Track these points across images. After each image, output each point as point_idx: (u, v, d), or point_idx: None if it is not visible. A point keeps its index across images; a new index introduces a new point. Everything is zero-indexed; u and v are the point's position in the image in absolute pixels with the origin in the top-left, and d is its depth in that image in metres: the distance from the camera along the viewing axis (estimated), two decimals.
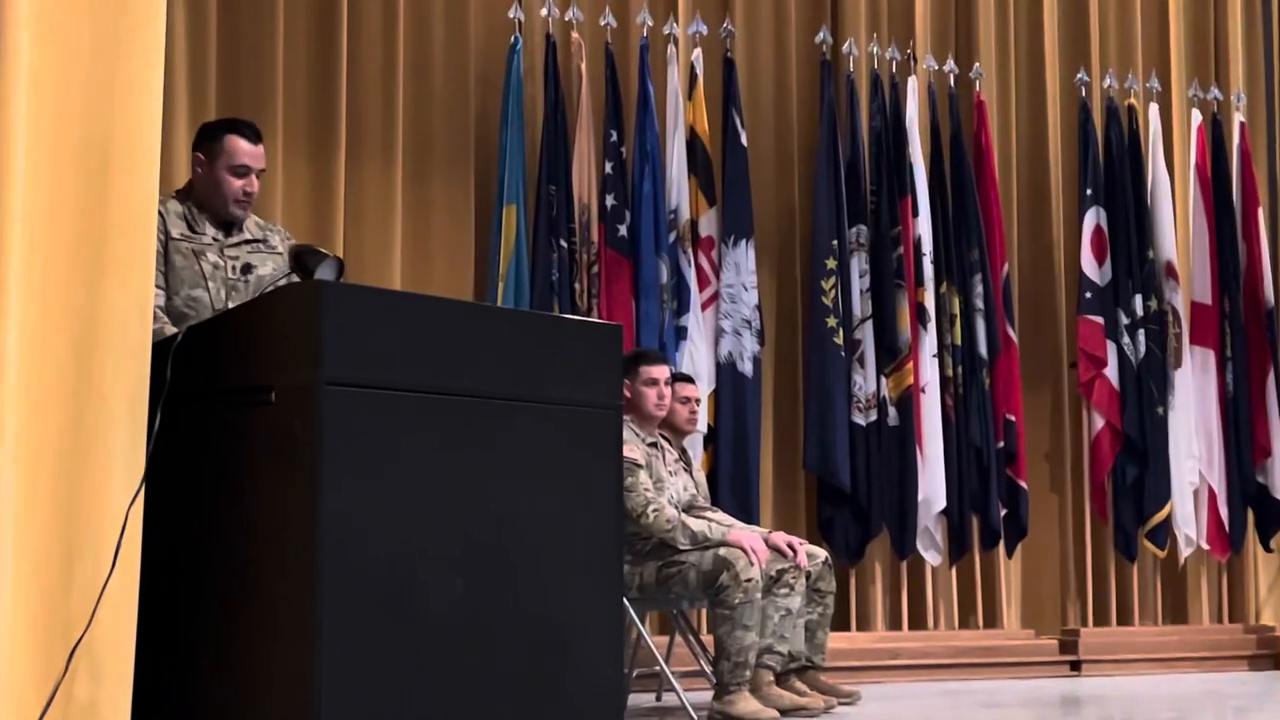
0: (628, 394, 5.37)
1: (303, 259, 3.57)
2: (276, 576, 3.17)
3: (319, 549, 3.07)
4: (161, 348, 3.30)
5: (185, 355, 3.33)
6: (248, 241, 4.24)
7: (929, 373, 7.08)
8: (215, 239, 4.18)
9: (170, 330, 3.81)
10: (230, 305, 4.03)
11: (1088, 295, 7.48)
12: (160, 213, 4.10)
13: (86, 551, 3.03)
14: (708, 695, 5.23)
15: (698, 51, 6.91)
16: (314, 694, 3.04)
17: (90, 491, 3.05)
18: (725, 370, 6.71)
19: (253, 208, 4.29)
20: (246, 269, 4.19)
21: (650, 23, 6.86)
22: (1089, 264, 7.51)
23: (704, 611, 6.17)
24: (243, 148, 4.17)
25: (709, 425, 6.60)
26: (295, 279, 3.68)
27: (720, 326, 6.75)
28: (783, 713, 5.13)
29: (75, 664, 2.98)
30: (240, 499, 3.27)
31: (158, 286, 4.02)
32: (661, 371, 5.50)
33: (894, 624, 7.19)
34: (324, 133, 6.25)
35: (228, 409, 3.31)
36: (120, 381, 3.10)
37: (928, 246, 7.16)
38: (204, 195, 4.19)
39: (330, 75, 6.28)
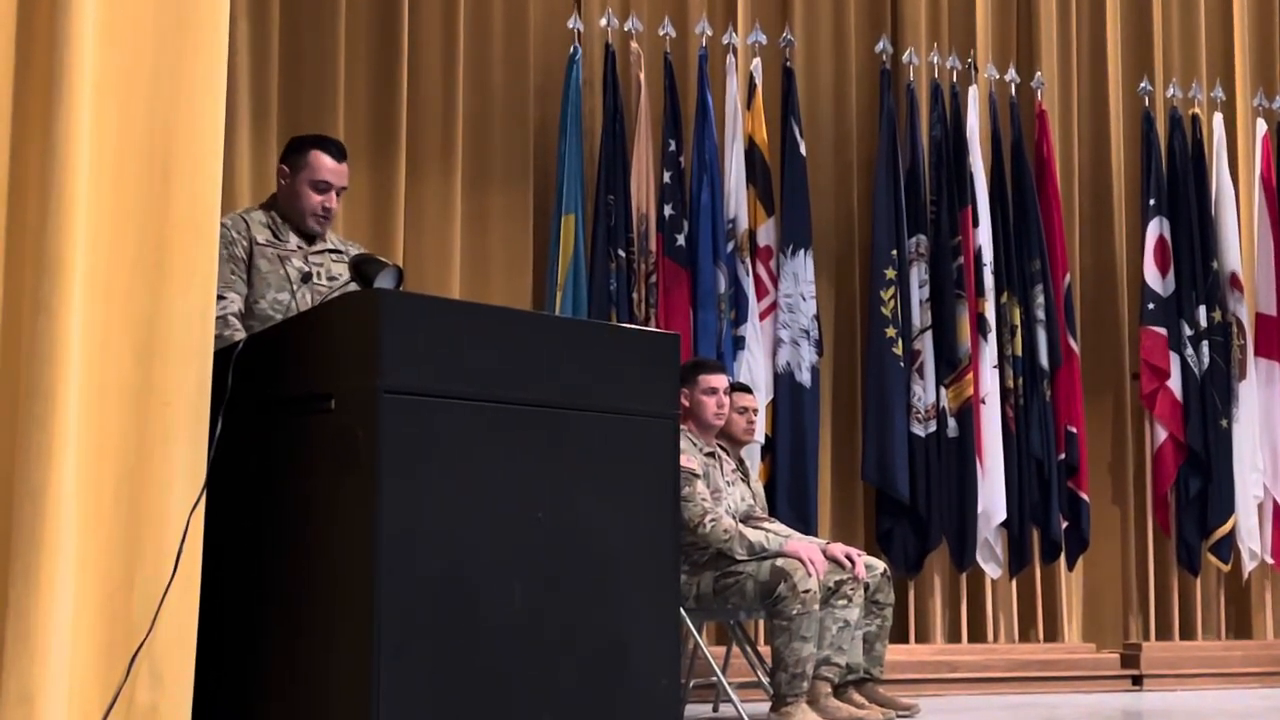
0: (686, 403, 5.37)
1: (362, 268, 3.59)
2: (335, 584, 3.18)
3: (377, 557, 3.08)
4: (223, 355, 3.33)
5: (246, 362, 3.35)
6: (331, 250, 4.31)
7: (989, 383, 7.02)
8: (300, 246, 4.25)
9: (241, 336, 3.85)
10: None
11: (1150, 306, 7.41)
12: (245, 220, 4.22)
13: (148, 557, 3.06)
14: (765, 707, 5.20)
15: (757, 61, 6.89)
16: (373, 704, 3.05)
17: (152, 498, 3.08)
18: (783, 380, 6.69)
19: (331, 224, 4.35)
20: (332, 276, 4.25)
21: (709, 32, 6.85)
22: (1152, 274, 7.43)
23: (761, 622, 6.14)
24: (326, 164, 4.26)
25: (766, 435, 6.58)
26: (355, 288, 3.71)
27: (778, 336, 6.72)
28: None
29: (136, 669, 3.01)
30: (300, 506, 3.29)
31: (236, 292, 4.09)
32: (720, 381, 5.50)
33: (953, 637, 7.14)
34: (384, 143, 6.28)
35: (288, 416, 3.33)
36: (182, 388, 3.13)
37: (988, 256, 7.11)
38: (286, 207, 4.29)
39: (391, 85, 6.31)
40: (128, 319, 3.07)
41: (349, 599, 3.13)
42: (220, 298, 3.99)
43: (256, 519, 3.37)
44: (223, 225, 4.10)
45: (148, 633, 3.01)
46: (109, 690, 2.99)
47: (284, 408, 3.34)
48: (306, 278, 4.20)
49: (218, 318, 3.88)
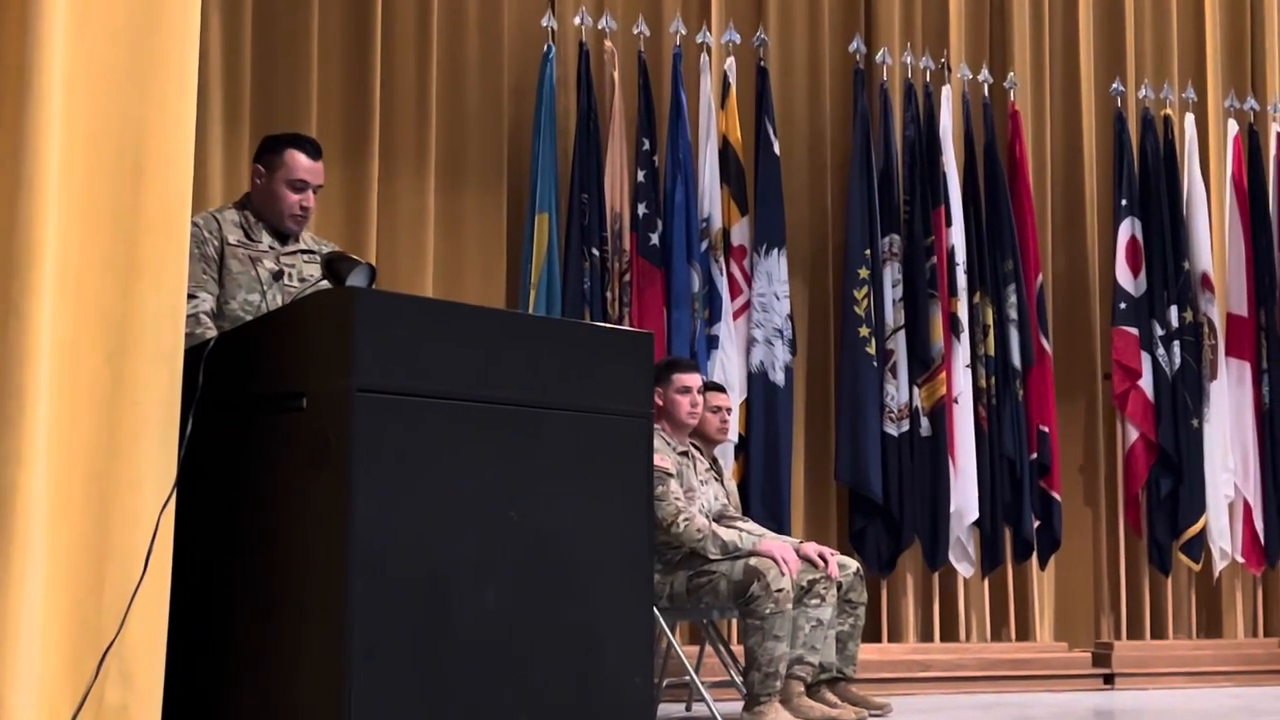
0: (660, 402, 5.37)
1: (335, 266, 3.58)
2: (307, 584, 3.17)
3: (350, 557, 3.07)
4: (194, 353, 3.31)
5: (218, 361, 3.34)
6: (304, 251, 4.29)
7: (962, 383, 7.05)
8: (272, 247, 4.22)
9: (212, 335, 3.83)
10: None
11: (1122, 306, 7.44)
12: (216, 219, 4.19)
13: (118, 557, 3.04)
14: (738, 706, 5.21)
15: (731, 60, 6.90)
16: (344, 703, 3.03)
17: (122, 498, 3.06)
18: (757, 379, 6.70)
19: (308, 224, 4.33)
20: (303, 277, 4.23)
21: (683, 31, 6.85)
22: (1124, 275, 7.47)
23: (734, 622, 6.15)
24: (302, 163, 4.23)
25: (740, 434, 6.59)
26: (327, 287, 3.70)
27: (752, 336, 6.73)
28: None
29: (106, 668, 2.99)
30: (271, 505, 3.27)
31: (207, 291, 4.07)
32: (694, 380, 5.50)
33: (926, 636, 7.16)
34: (357, 141, 6.27)
35: (260, 415, 3.31)
36: (152, 387, 3.11)
37: (961, 256, 7.13)
38: (261, 206, 4.26)
39: (364, 84, 6.30)
40: (98, 318, 3.06)
41: (321, 600, 3.11)
42: (192, 296, 3.97)
43: (228, 519, 3.36)
44: (194, 224, 4.09)
45: (117, 632, 3.00)
46: (78, 690, 2.97)
47: (256, 407, 3.32)
48: (278, 276, 4.18)
49: (189, 316, 3.87)
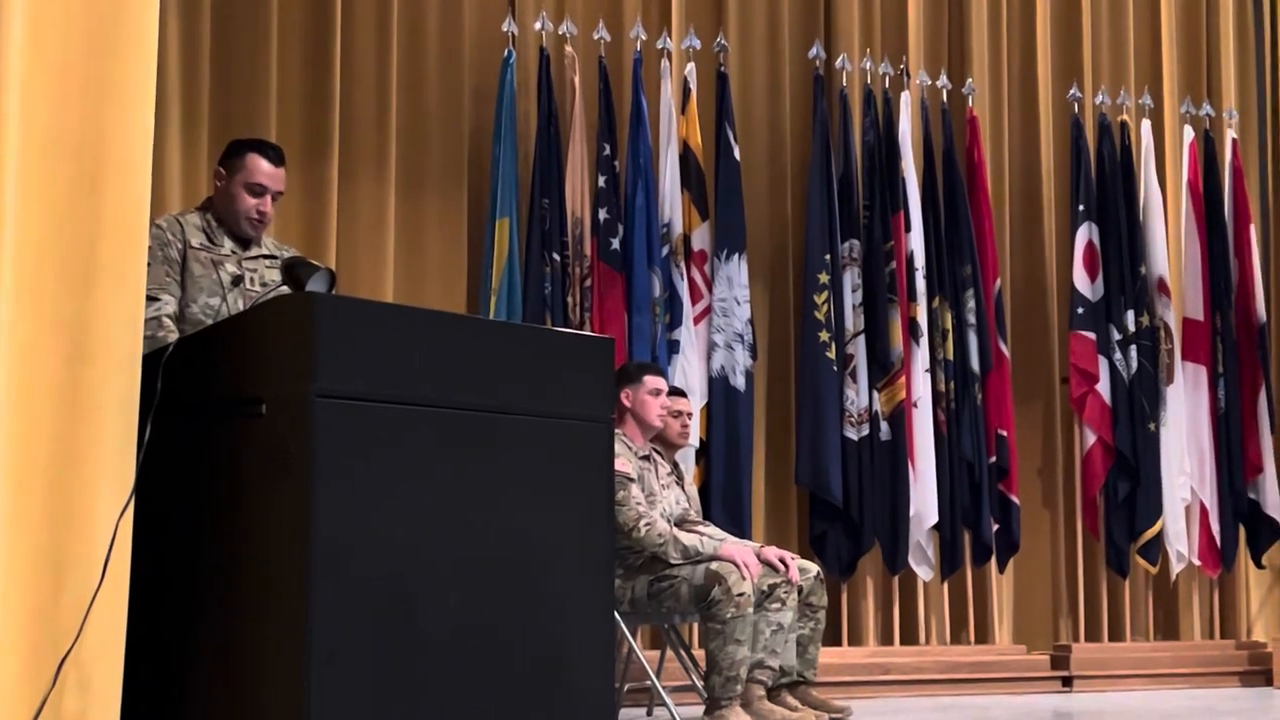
0: (629, 403, 5.38)
1: (295, 271, 3.56)
2: (267, 590, 3.15)
3: (310, 562, 3.06)
4: (153, 359, 3.29)
5: (177, 366, 3.31)
6: (265, 256, 4.28)
7: (921, 387, 7.08)
8: (234, 251, 4.22)
9: (174, 339, 3.82)
10: None
11: (1080, 311, 7.49)
12: (179, 222, 4.20)
13: (76, 563, 3.02)
14: (699, 710, 5.22)
15: (691, 65, 6.91)
16: (305, 708, 3.02)
17: (80, 503, 3.04)
18: (717, 384, 6.71)
19: (266, 229, 4.33)
20: (264, 282, 4.22)
21: (644, 36, 6.86)
22: (1081, 279, 7.51)
23: (695, 626, 6.15)
24: (262, 167, 4.24)
25: (701, 439, 6.59)
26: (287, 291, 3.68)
27: (713, 340, 6.74)
28: None
29: (64, 676, 2.97)
30: (231, 511, 3.26)
31: (170, 294, 4.06)
32: (664, 383, 5.55)
33: (886, 639, 7.19)
34: (317, 145, 6.25)
35: (218, 420, 3.30)
36: (111, 392, 3.09)
37: (920, 261, 7.17)
38: (221, 209, 4.27)
39: (324, 88, 6.28)
40: (56, 323, 3.04)
41: (281, 606, 3.10)
42: (155, 299, 3.96)
43: (188, 525, 3.34)
44: (157, 226, 4.09)
45: (75, 639, 2.98)
46: (36, 697, 2.95)
47: (215, 412, 3.31)
48: (238, 281, 4.17)
49: (151, 319, 3.86)
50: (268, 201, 4.26)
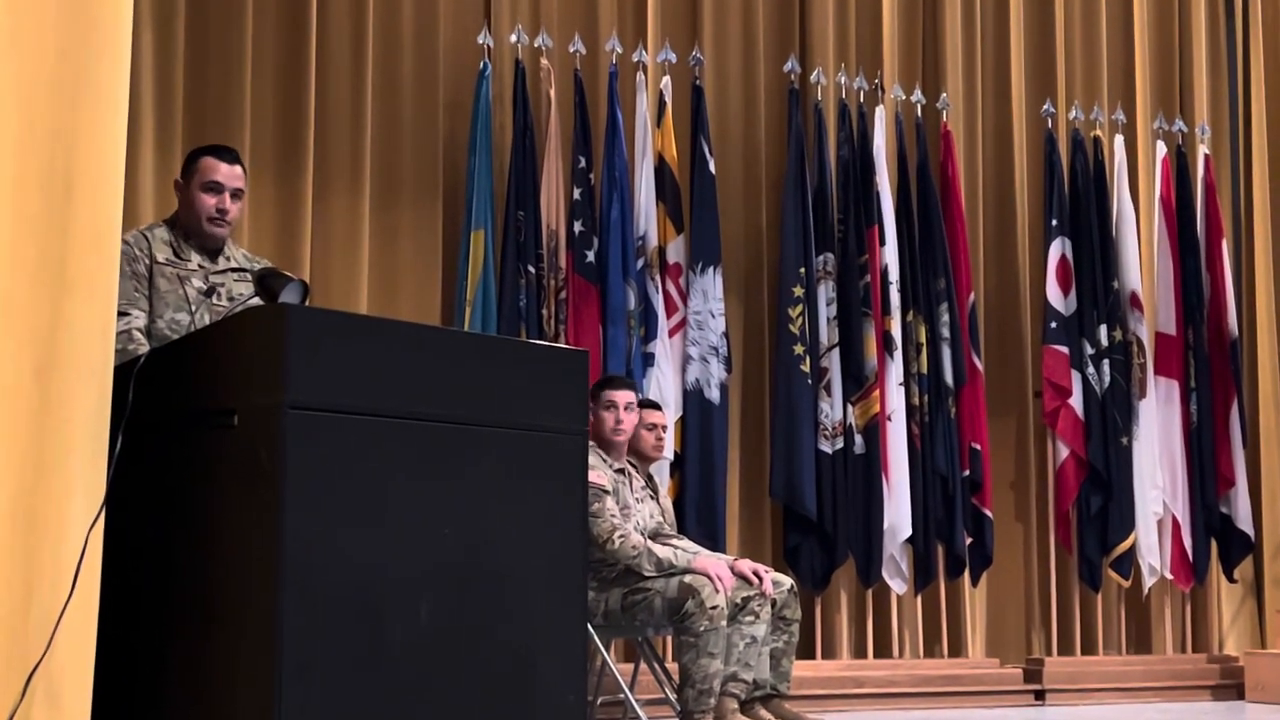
0: (591, 418, 5.38)
1: (267, 282, 3.55)
2: (238, 602, 3.14)
3: (282, 574, 3.05)
4: (124, 370, 3.28)
5: (148, 378, 3.30)
6: (234, 270, 4.27)
7: (895, 401, 7.09)
8: (201, 265, 4.21)
9: (145, 351, 3.81)
10: None
11: (1053, 325, 7.51)
12: (146, 237, 4.19)
13: (45, 576, 3.00)
14: None
15: (666, 79, 6.92)
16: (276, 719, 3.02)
17: (50, 515, 3.02)
18: (692, 397, 6.71)
19: (233, 231, 4.32)
20: (233, 296, 4.21)
21: (619, 50, 6.87)
22: (1054, 294, 7.54)
23: (669, 639, 6.15)
24: (215, 165, 4.25)
25: (675, 452, 6.60)
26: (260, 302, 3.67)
27: (687, 353, 6.75)
28: None
29: (33, 689, 2.95)
30: (202, 523, 3.25)
31: (139, 309, 4.05)
32: (622, 396, 5.52)
33: (859, 652, 7.19)
34: (292, 156, 6.24)
35: (190, 432, 3.29)
36: (82, 404, 3.07)
37: (894, 275, 7.18)
38: (185, 219, 4.27)
39: (298, 100, 6.27)
40: (27, 333, 3.02)
41: (253, 616, 3.09)
42: (124, 314, 3.95)
43: (159, 536, 3.33)
44: (125, 242, 4.07)
45: (44, 652, 2.96)
46: (4, 710, 2.93)
47: (187, 423, 3.30)
48: (208, 295, 4.16)
49: (122, 332, 3.85)
50: (226, 199, 4.25)
